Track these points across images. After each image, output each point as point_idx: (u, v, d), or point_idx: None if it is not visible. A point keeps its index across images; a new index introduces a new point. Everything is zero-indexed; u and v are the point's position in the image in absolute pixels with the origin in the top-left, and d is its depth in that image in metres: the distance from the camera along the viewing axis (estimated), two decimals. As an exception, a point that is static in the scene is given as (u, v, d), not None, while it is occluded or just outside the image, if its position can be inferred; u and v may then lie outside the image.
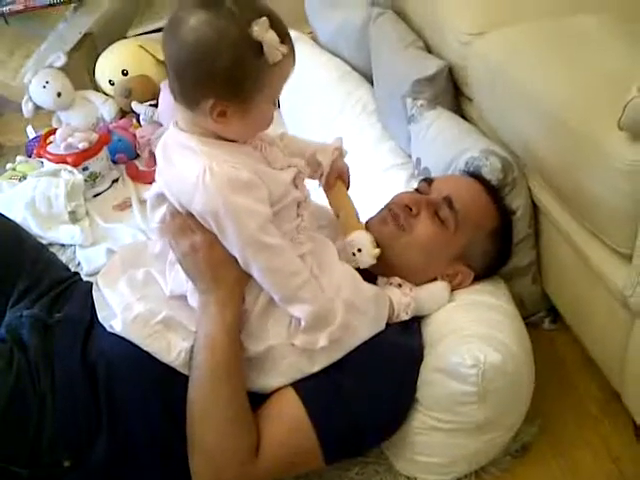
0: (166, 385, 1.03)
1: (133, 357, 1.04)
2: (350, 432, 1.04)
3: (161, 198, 1.03)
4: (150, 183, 1.97)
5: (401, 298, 1.12)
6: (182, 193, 0.97)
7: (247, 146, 0.99)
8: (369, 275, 1.14)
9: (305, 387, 1.04)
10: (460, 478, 1.15)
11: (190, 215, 0.98)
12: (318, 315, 1.00)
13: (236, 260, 0.99)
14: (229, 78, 0.88)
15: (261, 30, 0.85)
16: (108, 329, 1.08)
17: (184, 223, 0.99)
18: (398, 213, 1.19)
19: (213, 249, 0.99)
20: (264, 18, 0.85)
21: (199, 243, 0.99)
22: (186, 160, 0.95)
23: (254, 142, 1.00)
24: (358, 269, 1.11)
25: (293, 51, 0.91)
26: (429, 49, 1.64)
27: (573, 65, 1.18)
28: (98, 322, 1.11)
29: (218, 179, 0.91)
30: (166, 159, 0.98)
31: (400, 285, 1.14)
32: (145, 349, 1.04)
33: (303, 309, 0.99)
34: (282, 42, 0.87)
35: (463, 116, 1.53)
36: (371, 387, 1.05)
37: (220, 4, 0.87)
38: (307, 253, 1.04)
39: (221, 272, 1.00)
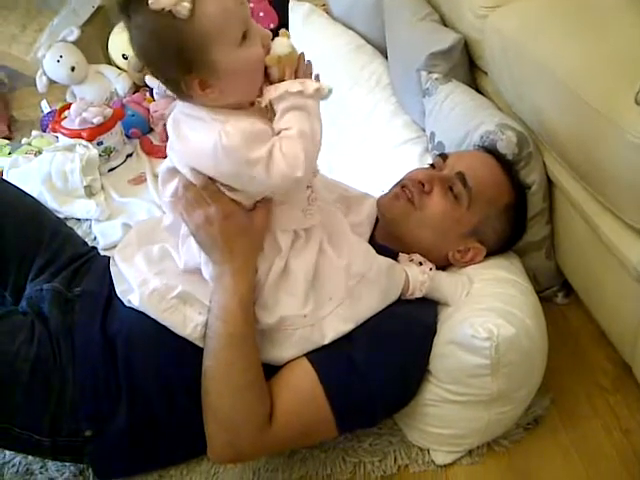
0: (183, 357, 1.05)
1: (151, 330, 1.06)
2: (363, 402, 1.06)
3: (172, 172, 1.03)
4: (164, 157, 1.99)
5: (418, 275, 1.12)
6: (203, 163, 0.96)
7: (256, 113, 0.97)
8: (390, 252, 1.15)
9: (318, 358, 1.05)
10: (472, 450, 1.16)
11: (205, 187, 0.98)
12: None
13: (251, 229, 1.00)
14: (168, 57, 0.88)
15: (155, 1, 0.84)
16: (126, 304, 1.09)
17: (198, 195, 0.99)
18: (411, 189, 1.19)
19: (228, 220, 1.00)
20: None
21: (213, 215, 0.99)
22: (199, 130, 0.94)
23: (262, 107, 0.98)
24: (377, 247, 1.12)
25: None
26: (444, 22, 1.62)
27: (589, 39, 1.17)
28: (116, 296, 1.12)
29: (235, 138, 0.90)
30: (178, 133, 0.98)
31: (421, 263, 1.15)
32: (162, 323, 1.05)
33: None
34: None
35: (478, 90, 1.53)
36: (384, 358, 1.06)
37: (129, 4, 0.87)
38: (317, 225, 1.05)
39: (235, 243, 1.01)
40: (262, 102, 0.95)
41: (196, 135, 0.95)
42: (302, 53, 0.97)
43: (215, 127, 0.92)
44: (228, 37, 0.89)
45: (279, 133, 0.94)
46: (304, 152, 0.93)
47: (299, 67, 0.96)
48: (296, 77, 0.95)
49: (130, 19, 0.88)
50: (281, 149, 0.92)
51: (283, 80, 0.94)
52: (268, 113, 0.97)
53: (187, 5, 0.84)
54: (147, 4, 0.84)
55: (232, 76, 0.91)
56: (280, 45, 0.94)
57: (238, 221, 1.00)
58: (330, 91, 0.98)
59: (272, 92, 0.94)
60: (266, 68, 0.94)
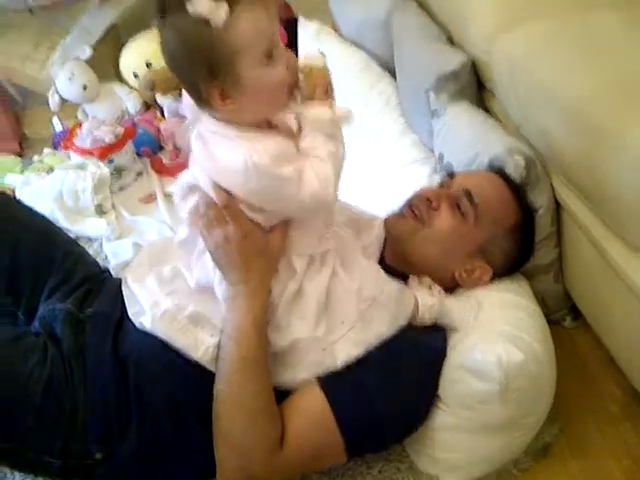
0: (194, 380, 1.06)
1: (162, 353, 1.07)
2: (372, 427, 1.06)
3: (193, 188, 1.03)
4: (174, 176, 2.01)
5: (427, 299, 1.13)
6: (231, 180, 0.97)
7: (280, 134, 0.98)
8: (399, 274, 1.16)
9: (329, 382, 1.05)
10: (481, 477, 1.16)
11: (226, 206, 0.99)
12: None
13: (268, 250, 1.01)
14: (195, 61, 0.89)
15: (193, 4, 0.86)
16: (138, 326, 1.10)
17: (219, 214, 1.00)
18: (418, 206, 1.20)
19: (246, 240, 1.01)
20: None
21: (233, 234, 1.00)
22: (228, 148, 0.95)
23: (286, 131, 1.00)
24: (386, 268, 1.12)
25: (255, 5, 0.89)
26: (452, 43, 1.63)
27: (596, 61, 1.18)
28: (128, 318, 1.13)
29: (266, 157, 0.92)
30: (205, 150, 0.98)
31: (430, 287, 1.16)
32: (173, 345, 1.06)
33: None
34: (221, 1, 0.86)
35: (486, 111, 1.53)
36: (394, 384, 1.07)
37: (165, 5, 0.89)
38: (332, 249, 1.06)
39: (252, 263, 1.01)
40: (290, 111, 0.97)
41: (224, 152, 0.96)
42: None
43: (243, 145, 0.93)
44: (255, 53, 0.90)
45: (306, 152, 0.96)
46: (334, 173, 0.95)
47: (329, 87, 0.98)
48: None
49: (165, 19, 0.89)
50: (313, 168, 0.94)
51: (312, 97, 0.96)
52: (291, 133, 1.00)
53: (223, 16, 0.86)
54: (184, 8, 0.86)
55: (253, 92, 0.92)
56: (314, 58, 0.98)
57: (256, 241, 1.01)
58: (353, 118, 1.01)
59: (304, 112, 0.96)
60: (290, 88, 0.95)
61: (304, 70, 0.96)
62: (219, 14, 0.86)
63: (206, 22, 0.86)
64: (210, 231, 1.02)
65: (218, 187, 0.99)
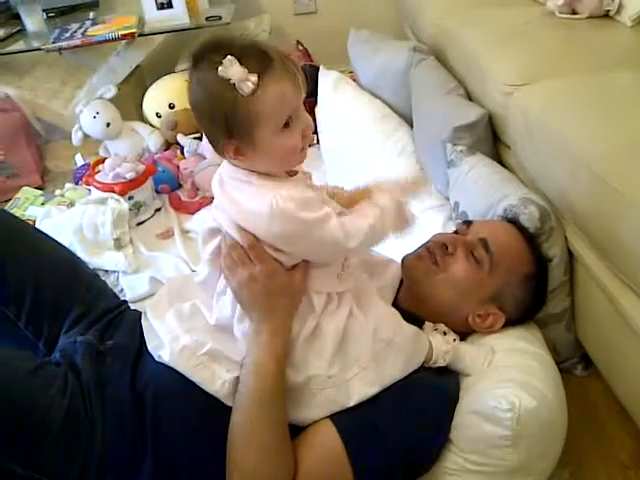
0: (211, 415, 1.07)
1: (179, 386, 1.08)
2: (383, 467, 1.07)
3: (215, 232, 1.07)
4: (192, 213, 2.06)
5: (442, 345, 1.15)
6: (255, 224, 1.00)
7: (301, 183, 1.03)
8: (414, 318, 1.18)
9: (342, 421, 1.06)
10: (491, 521, 1.16)
11: (251, 247, 1.02)
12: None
13: (291, 289, 1.04)
14: (216, 120, 0.94)
15: (226, 68, 0.90)
16: (157, 359, 1.12)
17: (243, 254, 1.03)
18: (434, 250, 1.23)
19: (271, 279, 1.03)
20: (228, 57, 0.90)
21: (258, 273, 1.03)
22: (250, 193, 0.99)
23: (306, 181, 1.05)
24: (400, 311, 1.15)
25: (281, 75, 0.93)
26: (469, 96, 1.69)
27: (610, 119, 1.23)
28: (147, 351, 1.15)
29: (290, 202, 0.95)
30: (227, 195, 1.02)
31: (445, 333, 1.18)
32: (191, 379, 1.08)
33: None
34: (252, 73, 0.90)
35: (501, 163, 1.57)
36: (406, 424, 1.07)
37: (199, 58, 0.94)
38: (350, 290, 1.09)
39: (276, 302, 1.04)
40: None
41: (248, 197, 0.99)
42: None
43: (265, 192, 0.97)
44: (274, 123, 0.95)
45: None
46: (364, 233, 1.00)
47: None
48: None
49: (196, 71, 0.94)
50: (342, 219, 0.99)
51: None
52: (307, 181, 1.05)
53: (251, 86, 0.91)
54: (215, 68, 0.90)
55: (266, 154, 0.97)
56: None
57: (280, 280, 1.04)
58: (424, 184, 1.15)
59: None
60: (302, 149, 1.01)
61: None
62: (247, 85, 0.91)
63: (232, 86, 0.91)
64: (234, 271, 1.05)
65: (242, 229, 1.02)
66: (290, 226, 0.97)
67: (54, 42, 2.26)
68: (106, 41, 2.28)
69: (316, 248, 1.02)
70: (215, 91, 0.92)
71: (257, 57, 0.92)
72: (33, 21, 2.42)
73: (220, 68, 0.90)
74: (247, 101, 0.91)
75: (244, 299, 1.06)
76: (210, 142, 1.00)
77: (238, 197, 1.00)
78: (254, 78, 0.90)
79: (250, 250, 1.03)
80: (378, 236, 1.04)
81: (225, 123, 0.93)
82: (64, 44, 2.25)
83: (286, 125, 0.95)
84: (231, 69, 0.90)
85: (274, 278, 1.03)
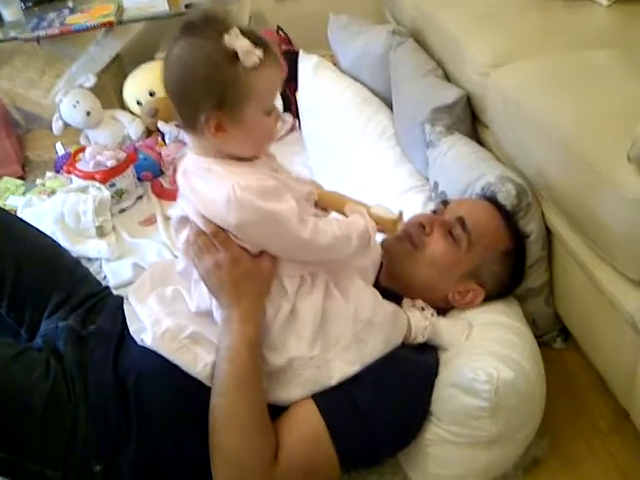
0: (192, 396, 1.08)
1: (161, 369, 1.09)
2: (366, 443, 1.09)
3: (184, 220, 1.08)
4: (174, 200, 2.03)
5: (420, 321, 1.16)
6: (215, 213, 1.02)
7: (263, 167, 1.04)
8: (394, 295, 1.19)
9: (324, 400, 1.08)
10: (472, 491, 1.18)
11: (215, 234, 1.04)
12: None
13: (258, 274, 1.05)
14: (210, 88, 0.93)
15: (232, 38, 0.91)
16: (139, 342, 1.13)
17: (208, 242, 1.04)
18: (412, 231, 1.24)
19: (236, 266, 1.04)
20: (234, 28, 0.92)
21: (222, 260, 1.04)
22: (211, 182, 1.00)
23: (270, 164, 1.06)
24: (381, 290, 1.17)
25: (276, 61, 0.96)
26: (448, 78, 1.69)
27: (586, 97, 1.24)
28: (129, 335, 1.15)
29: (248, 192, 0.96)
30: (189, 184, 1.03)
31: (423, 309, 1.19)
32: (173, 362, 1.08)
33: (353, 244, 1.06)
34: (257, 47, 0.93)
35: (480, 142, 1.58)
36: (387, 401, 1.09)
37: (195, 27, 0.94)
38: (322, 269, 1.09)
39: (243, 287, 1.05)
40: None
41: (207, 187, 1.01)
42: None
43: (225, 179, 0.98)
44: (265, 102, 0.98)
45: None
46: (332, 235, 1.02)
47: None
48: None
49: (189, 37, 0.94)
50: (307, 217, 1.01)
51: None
52: (273, 167, 1.06)
53: (256, 60, 0.92)
54: (221, 36, 0.91)
55: (247, 133, 0.98)
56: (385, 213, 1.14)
57: (245, 266, 1.05)
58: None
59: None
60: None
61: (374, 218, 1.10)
62: (253, 58, 0.92)
63: (236, 58, 0.92)
64: (200, 258, 1.06)
65: (205, 218, 1.04)
66: (247, 216, 0.98)
67: (32, 31, 2.24)
68: (85, 30, 2.26)
69: (274, 241, 1.03)
70: (217, 59, 0.92)
71: (256, 37, 0.94)
72: (11, 11, 2.38)
73: (226, 37, 0.91)
74: (248, 75, 0.93)
75: (212, 286, 1.07)
76: (186, 119, 0.99)
77: (199, 186, 1.02)
78: (259, 53, 0.92)
79: (214, 237, 1.04)
80: (338, 249, 1.05)
81: (218, 95, 0.93)
82: (42, 33, 2.23)
83: (270, 110, 0.99)
84: (238, 40, 0.91)
85: (239, 264, 1.04)
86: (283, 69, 0.99)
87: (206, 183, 1.01)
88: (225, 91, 0.93)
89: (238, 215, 0.98)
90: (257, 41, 0.94)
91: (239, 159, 1.02)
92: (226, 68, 0.92)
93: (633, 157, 0.97)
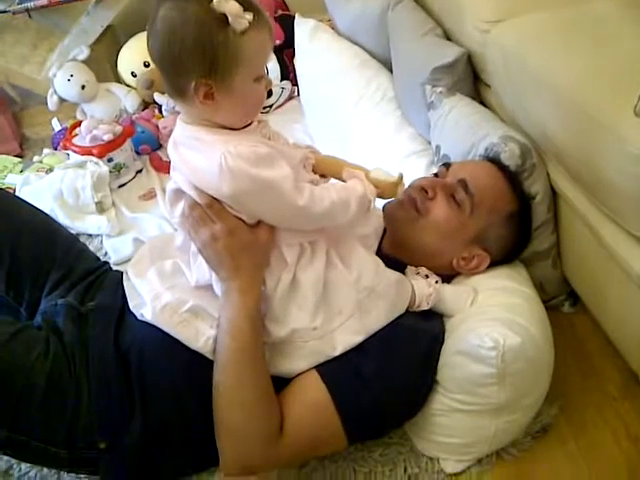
0: (195, 370, 1.07)
1: (163, 344, 1.08)
2: (372, 414, 1.07)
3: (179, 193, 1.05)
4: (173, 173, 2.02)
5: (424, 288, 1.14)
6: (208, 184, 0.99)
7: (255, 133, 1.01)
8: (397, 263, 1.17)
9: (328, 370, 1.06)
10: (481, 458, 1.17)
11: (209, 205, 1.01)
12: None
13: (255, 245, 1.03)
14: (200, 53, 0.90)
15: (221, 1, 0.87)
16: (139, 317, 1.11)
17: (203, 214, 1.02)
18: (414, 197, 1.21)
19: (232, 237, 1.02)
20: None
21: (218, 232, 1.01)
22: (201, 152, 0.97)
23: (262, 131, 1.02)
24: (384, 258, 1.14)
25: (266, 25, 0.93)
26: (447, 36, 1.64)
27: (589, 51, 1.19)
28: (129, 310, 1.14)
29: (239, 160, 0.93)
30: (180, 156, 1.00)
31: (427, 276, 1.17)
32: (174, 336, 1.07)
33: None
34: (246, 10, 0.89)
35: (482, 102, 1.54)
36: (392, 370, 1.08)
37: None
38: (323, 237, 1.07)
39: (241, 259, 1.03)
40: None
41: (198, 157, 0.98)
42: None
43: (215, 148, 0.95)
44: (254, 68, 0.94)
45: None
46: (331, 204, 1.00)
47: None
48: None
49: (178, 3, 0.89)
50: (302, 184, 0.98)
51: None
52: (265, 133, 1.03)
53: (246, 23, 0.89)
54: (210, 0, 0.87)
55: (237, 100, 0.95)
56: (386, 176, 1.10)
57: (242, 237, 1.02)
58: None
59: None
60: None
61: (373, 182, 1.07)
62: (243, 22, 0.89)
63: (225, 23, 0.88)
64: (197, 231, 1.04)
65: (199, 189, 1.01)
66: (241, 184, 0.95)
67: (20, 3, 2.19)
68: (73, 0, 2.21)
69: (270, 209, 1.00)
70: (206, 23, 0.88)
71: (246, 1, 0.90)
72: (-2, -16, 2.35)
73: (215, 0, 0.87)
74: (238, 39, 0.90)
75: (209, 258, 1.05)
76: (173, 84, 0.95)
77: (190, 157, 0.99)
78: (249, 16, 0.89)
79: (208, 209, 1.01)
80: (337, 215, 1.03)
81: (209, 61, 0.90)
82: (30, 4, 2.18)
83: (260, 76, 0.95)
84: (227, 3, 0.88)
85: (236, 235, 1.02)
86: (273, 33, 0.96)
87: (196, 153, 0.98)
88: (215, 57, 0.90)
89: (231, 184, 0.95)
90: (246, 4, 0.90)
91: (229, 129, 0.99)
92: (216, 32, 0.89)
93: (639, 111, 0.94)
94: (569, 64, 1.18)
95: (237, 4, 0.88)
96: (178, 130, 1.02)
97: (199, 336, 1.06)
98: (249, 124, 1.01)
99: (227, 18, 0.88)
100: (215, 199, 1.01)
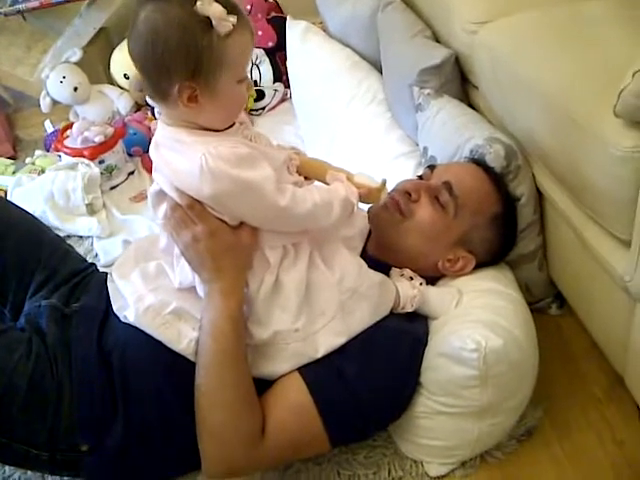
0: (178, 372, 1.06)
1: (146, 346, 1.07)
2: (354, 417, 1.07)
3: (161, 195, 1.05)
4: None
5: (408, 290, 1.14)
6: (189, 185, 0.99)
7: (236, 134, 1.01)
8: (382, 266, 1.17)
9: (310, 372, 1.06)
10: (465, 461, 1.17)
11: (190, 207, 1.01)
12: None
13: (238, 246, 1.02)
14: (184, 56, 0.90)
15: (205, 4, 0.87)
16: (122, 319, 1.11)
17: (184, 215, 1.02)
18: (398, 199, 1.21)
19: (214, 238, 1.02)
20: None
21: (200, 233, 1.01)
22: (182, 153, 0.97)
23: (243, 132, 1.02)
24: (369, 260, 1.14)
25: (248, 27, 0.93)
26: (436, 38, 1.64)
27: (575, 53, 1.19)
28: (113, 312, 1.14)
29: (220, 161, 0.93)
30: (161, 156, 1.00)
31: (412, 278, 1.16)
32: (157, 338, 1.07)
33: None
34: (230, 13, 0.89)
35: (470, 104, 1.54)
36: (375, 372, 1.07)
37: None
38: (306, 239, 1.07)
39: (223, 261, 1.02)
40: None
41: (179, 158, 0.97)
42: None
43: (196, 149, 0.95)
44: (237, 70, 0.95)
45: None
46: (313, 206, 1.00)
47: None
48: None
49: (159, 3, 0.89)
50: (285, 185, 0.98)
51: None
52: (246, 134, 1.02)
53: (229, 26, 0.89)
54: (193, 1, 0.87)
55: (220, 103, 0.95)
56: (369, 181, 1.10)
57: (224, 239, 1.02)
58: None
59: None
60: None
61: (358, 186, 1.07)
62: (227, 24, 0.89)
63: (209, 26, 0.88)
64: (178, 233, 1.03)
65: (180, 190, 1.00)
66: (221, 186, 0.95)
67: (12, 5, 2.19)
68: (66, 2, 2.21)
69: (251, 211, 1.00)
70: (190, 26, 0.88)
71: (229, 3, 0.91)
72: (-11, -14, 2.34)
73: (199, 3, 0.87)
74: (221, 42, 0.90)
75: (191, 260, 1.05)
76: (155, 86, 0.94)
77: (170, 158, 0.99)
78: (233, 19, 0.89)
79: (190, 210, 1.01)
80: (319, 218, 1.03)
81: (192, 64, 0.90)
82: (22, 6, 2.18)
83: (242, 79, 0.96)
84: (211, 7, 0.88)
85: (217, 237, 1.02)
86: (254, 35, 0.96)
87: (177, 154, 0.98)
88: (200, 60, 0.90)
89: (212, 185, 0.95)
90: (229, 7, 0.90)
91: (211, 130, 0.99)
92: (200, 36, 0.89)
93: (619, 111, 0.93)
94: (555, 67, 1.18)
95: (221, 7, 0.88)
96: (159, 131, 1.02)
97: (182, 338, 1.06)
98: (231, 125, 1.01)
99: (211, 21, 0.88)
100: (196, 200, 1.00)
